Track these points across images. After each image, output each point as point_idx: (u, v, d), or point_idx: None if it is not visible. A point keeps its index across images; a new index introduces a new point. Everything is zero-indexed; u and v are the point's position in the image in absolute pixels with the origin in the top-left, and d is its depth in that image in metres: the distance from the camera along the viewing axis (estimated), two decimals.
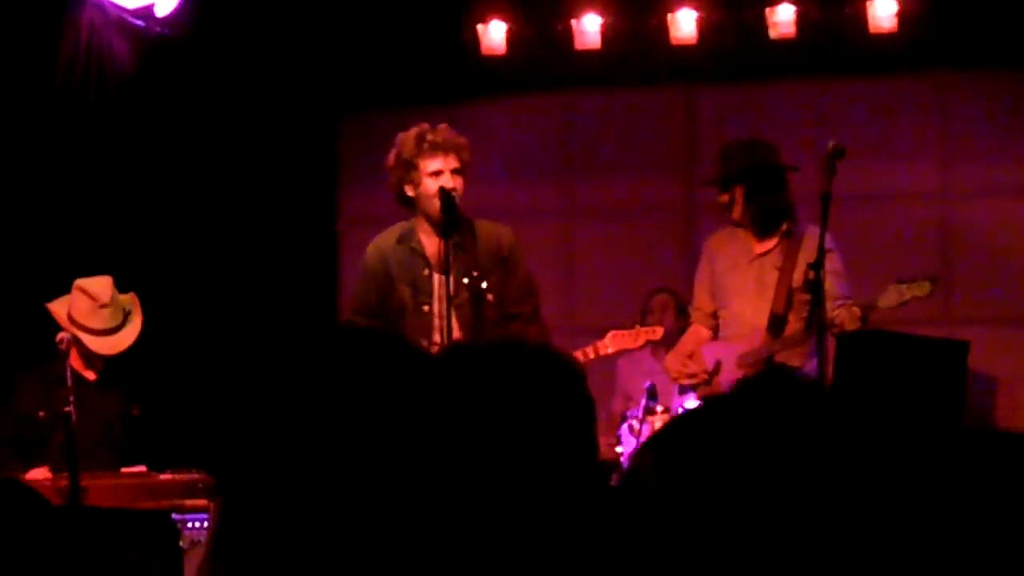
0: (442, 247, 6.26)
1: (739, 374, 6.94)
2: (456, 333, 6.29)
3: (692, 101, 10.05)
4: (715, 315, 7.27)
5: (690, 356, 7.20)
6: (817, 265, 6.34)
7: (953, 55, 9.25)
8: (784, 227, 7.02)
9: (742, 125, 9.61)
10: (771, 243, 7.05)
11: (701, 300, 7.34)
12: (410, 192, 6.36)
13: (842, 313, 6.61)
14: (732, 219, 7.09)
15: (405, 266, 6.41)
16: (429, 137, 6.28)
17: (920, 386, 7.93)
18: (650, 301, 8.86)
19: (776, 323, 6.90)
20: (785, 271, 6.93)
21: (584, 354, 6.38)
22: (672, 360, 7.30)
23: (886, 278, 7.02)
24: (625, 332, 6.51)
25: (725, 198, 7.05)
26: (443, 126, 6.39)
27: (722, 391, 7.03)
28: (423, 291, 6.35)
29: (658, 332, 6.60)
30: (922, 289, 6.69)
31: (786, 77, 9.69)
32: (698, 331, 7.33)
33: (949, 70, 9.43)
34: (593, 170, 10.16)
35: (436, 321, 6.31)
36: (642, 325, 8.66)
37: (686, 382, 7.18)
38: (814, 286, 6.37)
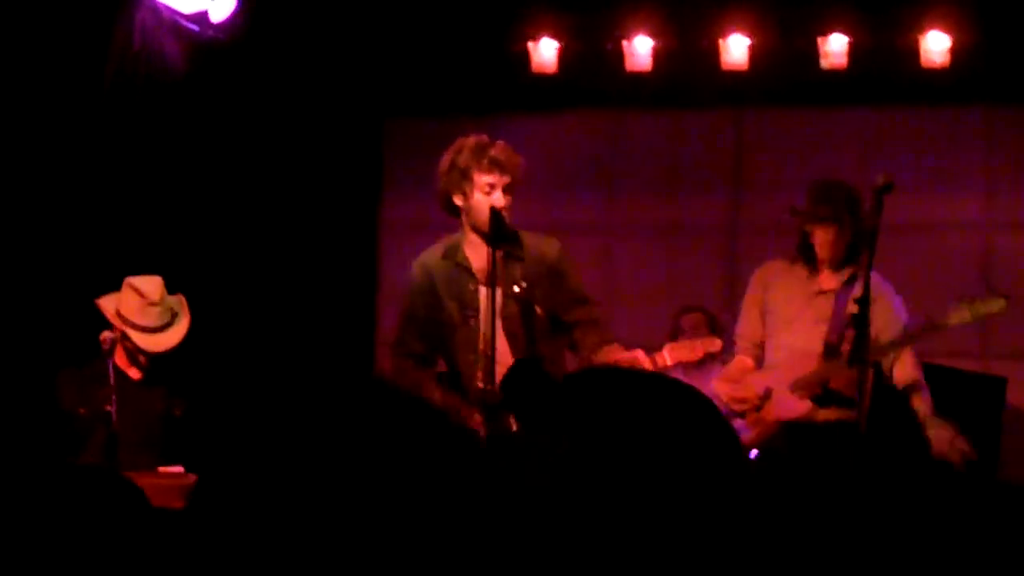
0: (489, 259, 6.16)
1: (792, 399, 6.86)
2: (502, 345, 6.20)
3: (740, 126, 10.04)
4: (761, 345, 7.15)
5: (737, 382, 7.09)
6: (864, 301, 6.24)
7: (1003, 91, 9.24)
8: (851, 270, 6.90)
9: (789, 152, 9.63)
10: (836, 282, 6.97)
11: (750, 329, 7.18)
12: (458, 201, 6.28)
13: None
14: (827, 252, 6.94)
15: (451, 281, 6.33)
16: (491, 152, 6.19)
17: (957, 420, 7.89)
18: (680, 320, 8.67)
19: (830, 352, 6.83)
20: (839, 307, 6.84)
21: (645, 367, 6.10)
22: (721, 385, 7.13)
23: (925, 307, 6.99)
24: (683, 344, 6.27)
25: (832, 231, 6.90)
26: (501, 143, 6.30)
27: (773, 418, 6.95)
28: (470, 305, 6.29)
29: (717, 344, 6.35)
30: (996, 305, 6.55)
31: (835, 106, 9.67)
32: (743, 361, 7.18)
33: (998, 105, 9.42)
34: (637, 190, 10.16)
35: (482, 334, 6.20)
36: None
37: (736, 408, 7.03)
38: (859, 320, 6.27)
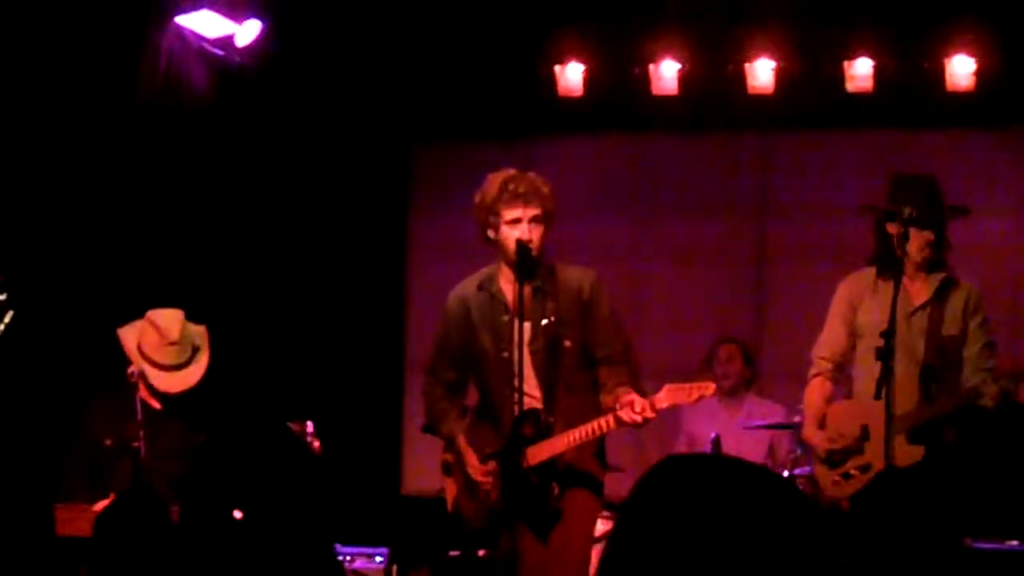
0: (520, 293, 6.17)
1: (896, 439, 6.21)
2: (531, 378, 6.23)
3: (767, 150, 10.02)
4: (843, 367, 6.65)
5: (822, 424, 6.59)
6: (888, 334, 6.04)
7: None
8: (943, 275, 6.47)
9: (816, 175, 9.61)
10: (927, 293, 6.46)
11: (835, 349, 6.64)
12: (491, 235, 6.31)
13: (988, 388, 6.28)
14: (921, 255, 6.38)
15: (486, 313, 6.36)
16: (511, 186, 6.19)
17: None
18: (716, 350, 8.77)
19: (929, 377, 6.35)
20: (934, 322, 6.40)
21: (642, 410, 5.98)
22: (811, 432, 6.65)
23: None
24: (679, 387, 6.08)
25: (928, 236, 6.36)
26: (530, 175, 6.27)
27: (876, 461, 6.29)
28: (503, 338, 6.28)
29: (710, 388, 6.21)
30: None
31: (862, 129, 9.64)
32: (824, 386, 6.66)
33: None
34: (665, 214, 10.15)
35: (515, 368, 6.15)
36: (707, 374, 8.62)
37: (833, 447, 6.50)
38: (885, 353, 6.09)
